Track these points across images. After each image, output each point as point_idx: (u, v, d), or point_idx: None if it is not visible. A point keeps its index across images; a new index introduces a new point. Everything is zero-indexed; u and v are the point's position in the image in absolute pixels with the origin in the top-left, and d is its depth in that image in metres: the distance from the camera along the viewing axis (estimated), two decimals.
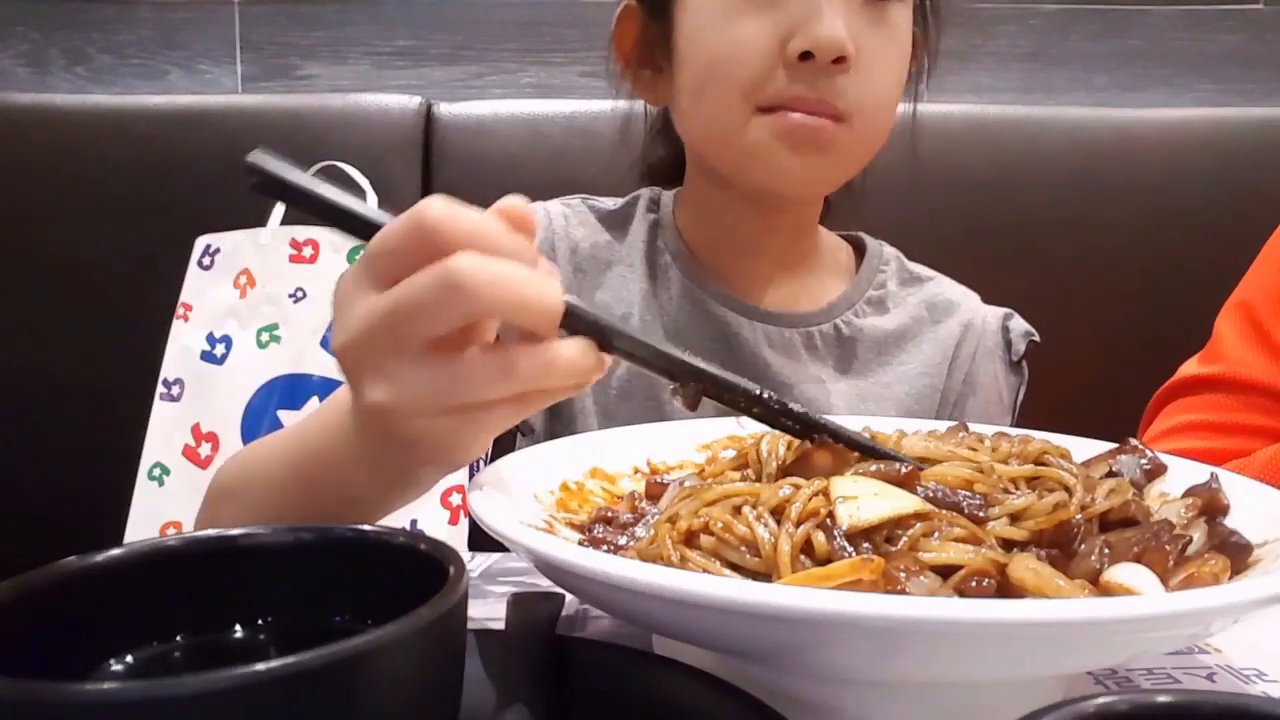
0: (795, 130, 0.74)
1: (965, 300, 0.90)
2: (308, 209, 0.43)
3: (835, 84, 0.73)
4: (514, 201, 0.43)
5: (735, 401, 0.47)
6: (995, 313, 0.90)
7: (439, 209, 0.40)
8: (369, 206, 0.43)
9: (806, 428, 0.48)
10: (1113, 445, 0.56)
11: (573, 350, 0.42)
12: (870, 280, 0.89)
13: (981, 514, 0.43)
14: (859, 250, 0.92)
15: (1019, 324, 0.90)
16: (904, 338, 0.87)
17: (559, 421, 0.83)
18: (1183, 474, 0.53)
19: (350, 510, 0.51)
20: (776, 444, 0.50)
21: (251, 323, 1.20)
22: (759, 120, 0.74)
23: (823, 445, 0.48)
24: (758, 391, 0.47)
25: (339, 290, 0.44)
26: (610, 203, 0.91)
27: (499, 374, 0.41)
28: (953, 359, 0.87)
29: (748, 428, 0.63)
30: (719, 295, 0.84)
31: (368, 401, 0.43)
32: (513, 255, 0.41)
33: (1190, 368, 0.91)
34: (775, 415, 0.47)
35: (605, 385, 0.82)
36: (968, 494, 0.45)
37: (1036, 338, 0.89)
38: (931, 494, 0.44)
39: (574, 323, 0.42)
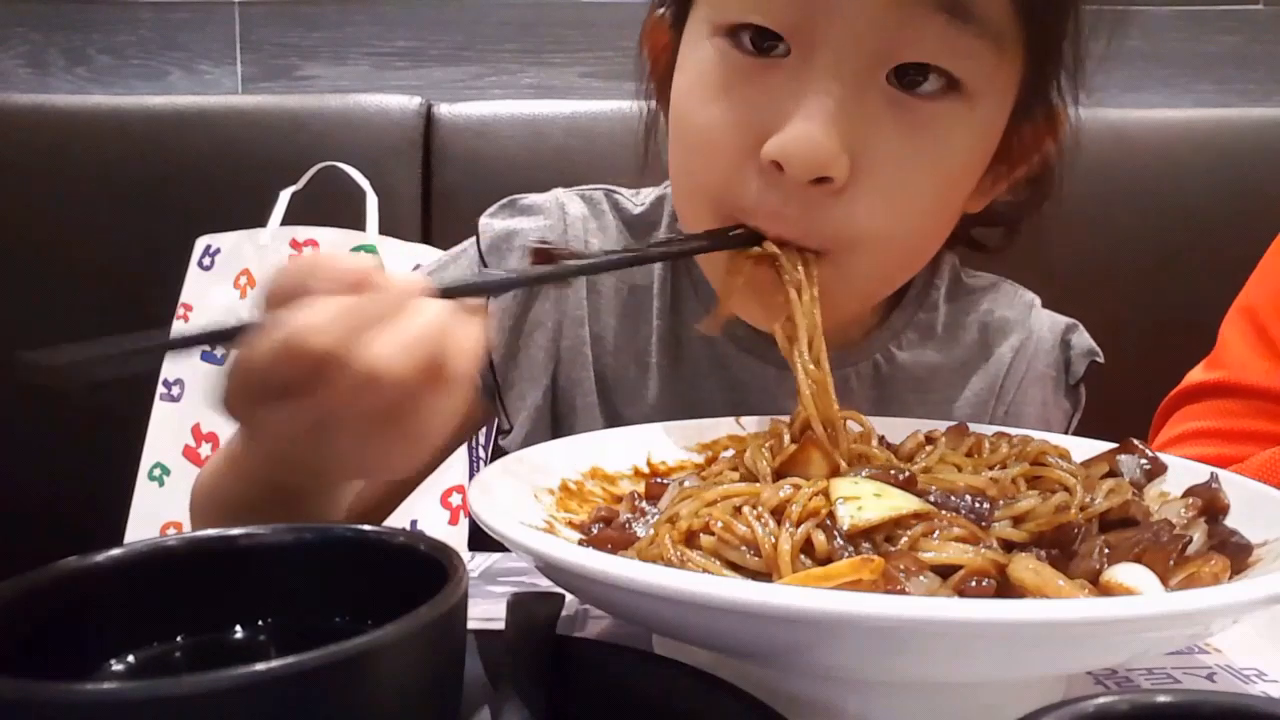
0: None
1: (1023, 318, 0.77)
2: (135, 362, 0.44)
3: (819, 209, 0.55)
4: (363, 264, 0.43)
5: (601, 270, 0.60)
6: (1055, 326, 0.77)
7: (304, 325, 0.41)
8: (207, 324, 0.45)
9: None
10: (1113, 445, 0.55)
11: (469, 330, 0.44)
12: (921, 301, 0.75)
13: (984, 521, 0.43)
14: None
15: (1082, 340, 0.77)
16: (949, 370, 0.75)
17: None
18: (1183, 474, 0.53)
19: (304, 506, 0.53)
20: (760, 452, 0.52)
21: None
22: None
23: (811, 444, 0.49)
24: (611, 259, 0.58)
25: (229, 408, 0.46)
26: (637, 202, 0.78)
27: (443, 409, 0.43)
28: (1000, 389, 0.75)
29: (747, 427, 0.63)
30: (742, 341, 0.71)
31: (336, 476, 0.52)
32: (384, 313, 0.42)
33: (1196, 375, 0.90)
34: (633, 263, 0.59)
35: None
36: (973, 496, 0.45)
37: (1100, 357, 0.76)
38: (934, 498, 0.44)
39: (457, 293, 0.46)
